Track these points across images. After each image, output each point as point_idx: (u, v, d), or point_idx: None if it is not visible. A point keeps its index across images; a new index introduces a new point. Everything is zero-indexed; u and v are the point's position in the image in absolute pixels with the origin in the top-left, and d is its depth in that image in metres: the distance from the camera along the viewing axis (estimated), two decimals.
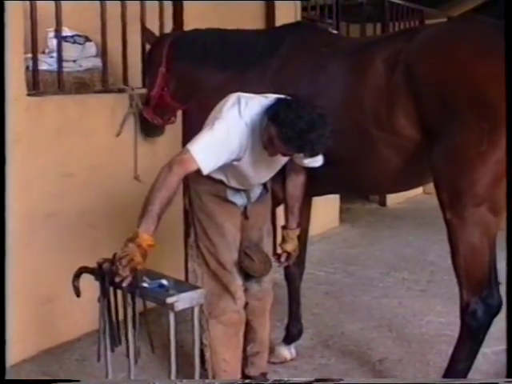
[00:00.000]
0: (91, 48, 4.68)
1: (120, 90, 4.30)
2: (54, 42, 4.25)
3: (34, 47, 3.81)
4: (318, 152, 2.68)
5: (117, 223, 3.92)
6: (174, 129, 4.31)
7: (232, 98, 2.77)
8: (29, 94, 3.67)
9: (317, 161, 2.90)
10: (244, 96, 2.77)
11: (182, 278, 3.62)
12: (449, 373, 2.97)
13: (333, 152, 2.80)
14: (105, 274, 2.53)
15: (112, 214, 4.04)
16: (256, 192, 3.08)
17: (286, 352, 3.70)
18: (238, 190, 3.00)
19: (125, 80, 4.37)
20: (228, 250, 3.02)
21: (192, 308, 2.58)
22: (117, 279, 2.43)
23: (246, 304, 3.12)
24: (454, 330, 3.13)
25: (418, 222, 7.14)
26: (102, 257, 2.59)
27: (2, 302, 2.37)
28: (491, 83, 2.60)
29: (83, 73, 4.57)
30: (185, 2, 4.57)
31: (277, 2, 5.56)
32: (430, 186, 3.03)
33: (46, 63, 4.34)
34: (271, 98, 2.76)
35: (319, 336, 4.04)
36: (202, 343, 2.97)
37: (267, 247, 3.20)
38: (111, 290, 2.56)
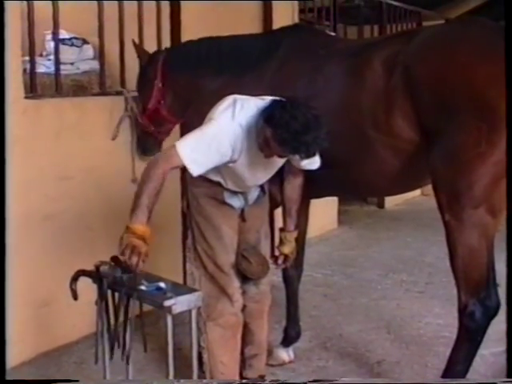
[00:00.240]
0: (89, 50, 4.67)
1: (118, 93, 4.29)
2: (51, 45, 4.25)
3: (31, 49, 3.81)
4: (314, 153, 2.67)
5: (114, 226, 3.87)
6: (172, 133, 4.29)
7: (228, 100, 2.77)
8: (26, 97, 3.67)
9: (314, 163, 2.90)
10: (240, 98, 2.77)
11: (179, 280, 3.61)
12: (447, 374, 2.97)
13: (331, 154, 2.80)
14: (102, 276, 2.53)
15: (110, 217, 4.02)
16: (253, 194, 3.08)
17: (284, 354, 3.69)
18: (235, 193, 3.00)
19: (122, 82, 4.36)
20: (225, 253, 3.02)
21: (190, 311, 2.57)
22: (130, 268, 2.46)
23: (244, 306, 3.12)
24: (452, 331, 3.13)
25: (416, 223, 7.14)
26: (100, 259, 2.59)
27: (2, 303, 2.36)
28: (489, 84, 2.60)
29: (81, 75, 4.56)
30: (182, 3, 4.55)
31: (274, 3, 5.54)
32: (428, 188, 3.04)
33: (44, 66, 4.33)
34: (267, 99, 2.75)
35: (317, 338, 4.03)
36: (199, 346, 2.97)
37: (265, 249, 3.20)
38: (109, 292, 2.56)
